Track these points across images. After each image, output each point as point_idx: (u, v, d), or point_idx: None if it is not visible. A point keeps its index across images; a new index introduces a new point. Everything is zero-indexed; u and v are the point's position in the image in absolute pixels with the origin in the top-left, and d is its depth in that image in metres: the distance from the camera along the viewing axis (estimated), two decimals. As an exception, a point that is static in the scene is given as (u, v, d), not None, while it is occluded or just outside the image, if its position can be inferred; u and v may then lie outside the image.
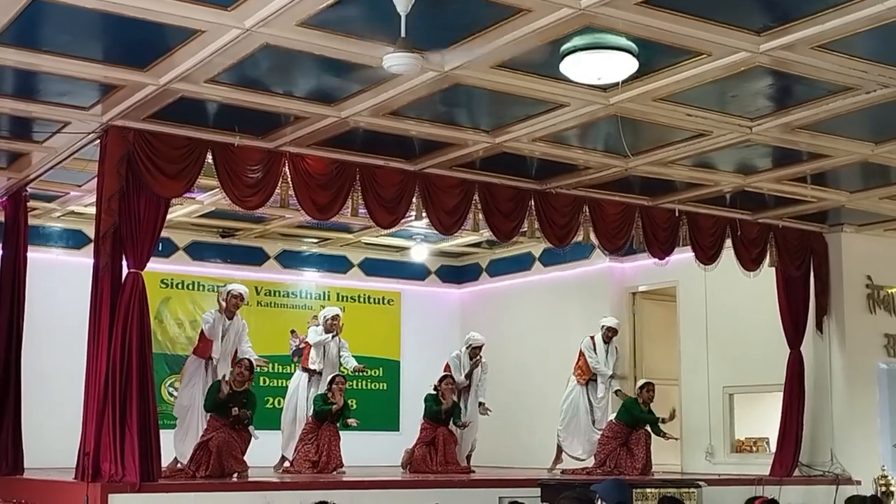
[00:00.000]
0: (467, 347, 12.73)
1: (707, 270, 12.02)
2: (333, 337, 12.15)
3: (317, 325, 12.31)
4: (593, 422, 12.62)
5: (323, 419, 11.32)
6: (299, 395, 11.99)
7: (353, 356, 12.41)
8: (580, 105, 8.44)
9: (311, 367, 12.03)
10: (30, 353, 10.69)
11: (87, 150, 9.39)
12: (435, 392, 12.13)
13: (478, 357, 12.70)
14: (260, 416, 11.05)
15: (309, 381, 12.03)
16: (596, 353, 12.68)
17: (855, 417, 12.34)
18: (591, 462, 12.31)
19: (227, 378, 10.20)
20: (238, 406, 9.93)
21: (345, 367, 12.24)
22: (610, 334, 12.75)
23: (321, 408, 11.37)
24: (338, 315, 12.40)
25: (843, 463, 12.08)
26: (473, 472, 11.94)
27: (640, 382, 12.39)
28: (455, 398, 12.21)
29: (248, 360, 10.41)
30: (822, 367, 12.52)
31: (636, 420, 11.96)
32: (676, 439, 12.59)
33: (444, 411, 12.02)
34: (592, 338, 12.76)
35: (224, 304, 10.99)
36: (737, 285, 12.49)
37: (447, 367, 12.62)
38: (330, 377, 11.59)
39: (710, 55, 7.34)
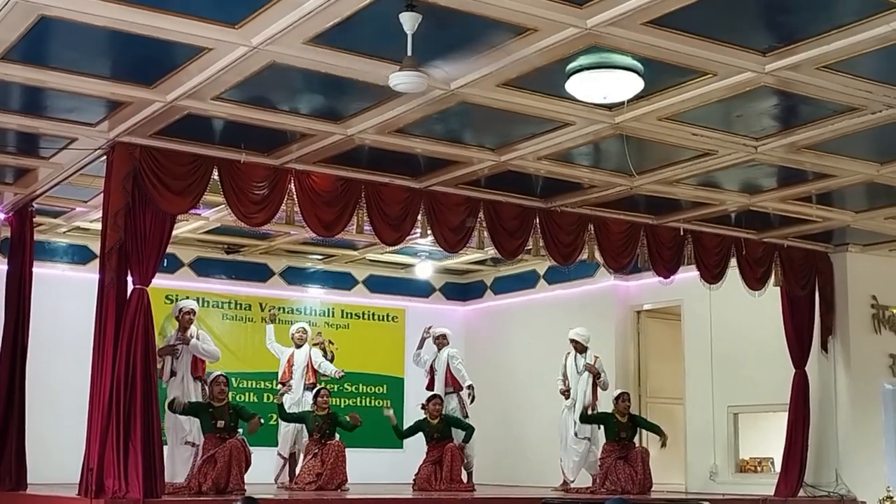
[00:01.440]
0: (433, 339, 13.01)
1: (712, 289, 12.02)
2: (300, 348, 12.42)
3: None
4: (576, 434, 12.52)
5: (319, 432, 11.30)
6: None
7: (357, 372, 12.47)
8: (586, 124, 8.45)
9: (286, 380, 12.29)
10: (34, 369, 10.70)
11: (93, 166, 9.42)
12: (424, 414, 12.15)
13: (443, 343, 12.93)
14: (268, 433, 11.08)
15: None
16: (567, 371, 12.59)
17: (860, 438, 12.30)
18: (587, 481, 12.31)
19: (177, 400, 10.36)
20: (223, 420, 9.98)
21: (325, 375, 12.50)
22: (574, 346, 12.63)
23: (307, 414, 11.50)
24: (302, 328, 12.60)
25: (847, 483, 12.04)
26: (475, 490, 11.89)
27: (615, 393, 12.34)
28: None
29: (224, 376, 10.41)
30: (826, 388, 12.50)
31: (617, 433, 11.91)
32: (667, 438, 12.45)
33: (435, 428, 11.97)
34: (568, 354, 12.71)
35: (178, 321, 11.17)
36: (741, 304, 12.48)
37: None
38: (314, 392, 11.65)
39: (716, 75, 7.36)
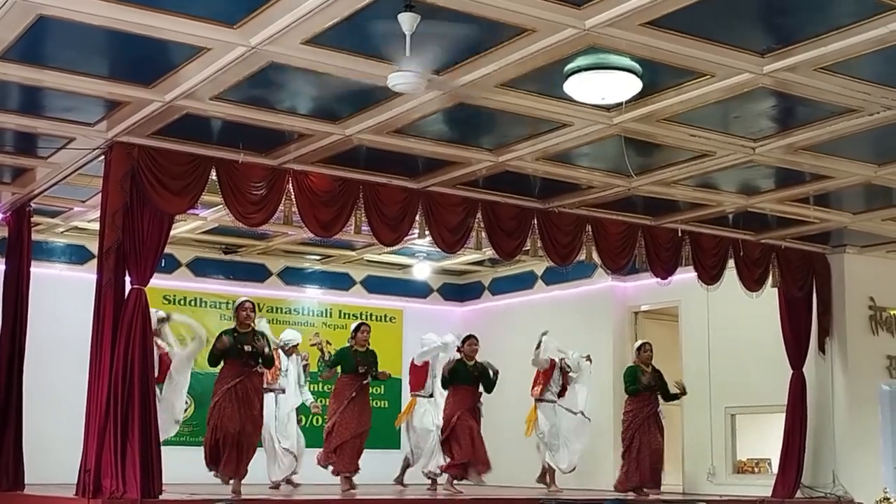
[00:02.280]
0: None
1: (709, 290, 12.02)
2: (288, 356, 12.15)
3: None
4: (582, 413, 12.59)
5: (362, 366, 11.14)
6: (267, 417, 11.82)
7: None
8: (584, 125, 8.46)
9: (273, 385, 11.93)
10: (32, 369, 10.68)
11: (91, 165, 9.42)
12: (459, 355, 11.83)
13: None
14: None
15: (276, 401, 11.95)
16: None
17: (857, 439, 12.31)
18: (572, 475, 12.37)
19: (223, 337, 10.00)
20: (250, 345, 9.82)
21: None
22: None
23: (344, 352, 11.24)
24: (297, 345, 12.31)
25: (845, 484, 12.05)
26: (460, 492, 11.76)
27: (637, 343, 12.31)
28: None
29: (250, 301, 10.17)
30: (824, 389, 12.51)
31: (648, 384, 11.90)
32: (685, 394, 12.41)
33: (473, 369, 11.70)
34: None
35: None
36: (739, 306, 12.48)
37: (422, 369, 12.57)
38: (355, 326, 11.48)
39: (714, 76, 7.37)
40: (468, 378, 11.77)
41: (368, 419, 11.12)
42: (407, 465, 12.67)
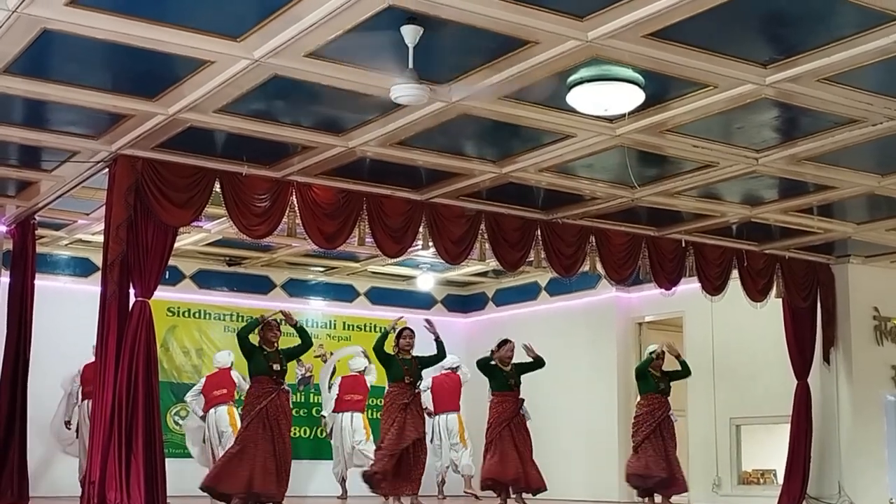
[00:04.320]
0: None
1: (713, 301, 12.02)
2: None
3: None
4: None
5: (410, 376, 10.77)
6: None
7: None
8: (587, 136, 8.47)
9: None
10: (36, 381, 10.68)
11: (95, 178, 9.43)
12: (490, 356, 11.11)
13: None
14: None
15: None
16: None
17: (862, 449, 12.28)
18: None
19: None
20: (278, 363, 9.62)
21: None
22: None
23: (392, 359, 10.84)
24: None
25: (850, 495, 12.02)
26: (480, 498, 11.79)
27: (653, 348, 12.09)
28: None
29: (276, 321, 9.89)
30: (829, 399, 12.49)
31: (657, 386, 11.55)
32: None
33: (508, 376, 11.03)
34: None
35: None
36: (743, 316, 12.48)
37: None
38: (398, 332, 10.97)
39: (717, 87, 7.37)
40: (506, 386, 11.01)
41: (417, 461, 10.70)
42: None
